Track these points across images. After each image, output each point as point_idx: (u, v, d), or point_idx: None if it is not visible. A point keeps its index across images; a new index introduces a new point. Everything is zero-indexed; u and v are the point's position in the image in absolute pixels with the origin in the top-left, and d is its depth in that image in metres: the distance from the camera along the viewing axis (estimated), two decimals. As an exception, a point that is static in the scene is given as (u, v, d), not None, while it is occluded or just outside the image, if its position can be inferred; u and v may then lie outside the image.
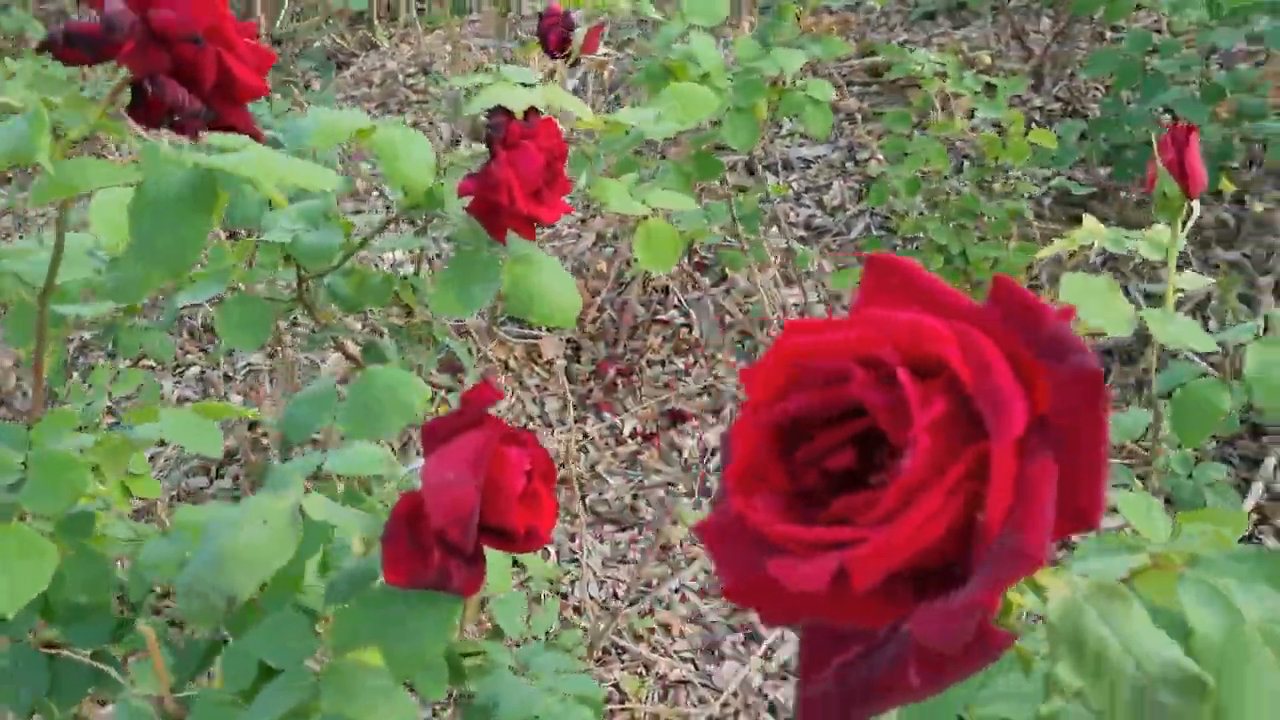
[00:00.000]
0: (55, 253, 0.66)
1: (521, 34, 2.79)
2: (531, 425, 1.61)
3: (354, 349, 1.60)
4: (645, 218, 1.19)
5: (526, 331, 1.79)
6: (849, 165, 2.12)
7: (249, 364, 1.81)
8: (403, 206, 1.06)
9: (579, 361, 1.75)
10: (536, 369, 1.72)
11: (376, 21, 2.93)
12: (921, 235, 1.77)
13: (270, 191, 0.61)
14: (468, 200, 1.01)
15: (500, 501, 0.53)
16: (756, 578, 0.31)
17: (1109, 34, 2.41)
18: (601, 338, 1.78)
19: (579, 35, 1.26)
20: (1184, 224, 0.73)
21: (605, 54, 1.43)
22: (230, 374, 1.75)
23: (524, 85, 1.33)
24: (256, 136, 0.69)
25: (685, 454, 1.54)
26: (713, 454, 1.54)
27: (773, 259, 1.62)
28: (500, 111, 1.06)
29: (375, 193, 2.22)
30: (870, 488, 0.32)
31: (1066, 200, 1.83)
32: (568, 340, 1.78)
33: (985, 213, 1.51)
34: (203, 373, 1.81)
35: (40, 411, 0.74)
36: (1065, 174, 1.83)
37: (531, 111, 1.07)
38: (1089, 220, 1.11)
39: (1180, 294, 0.74)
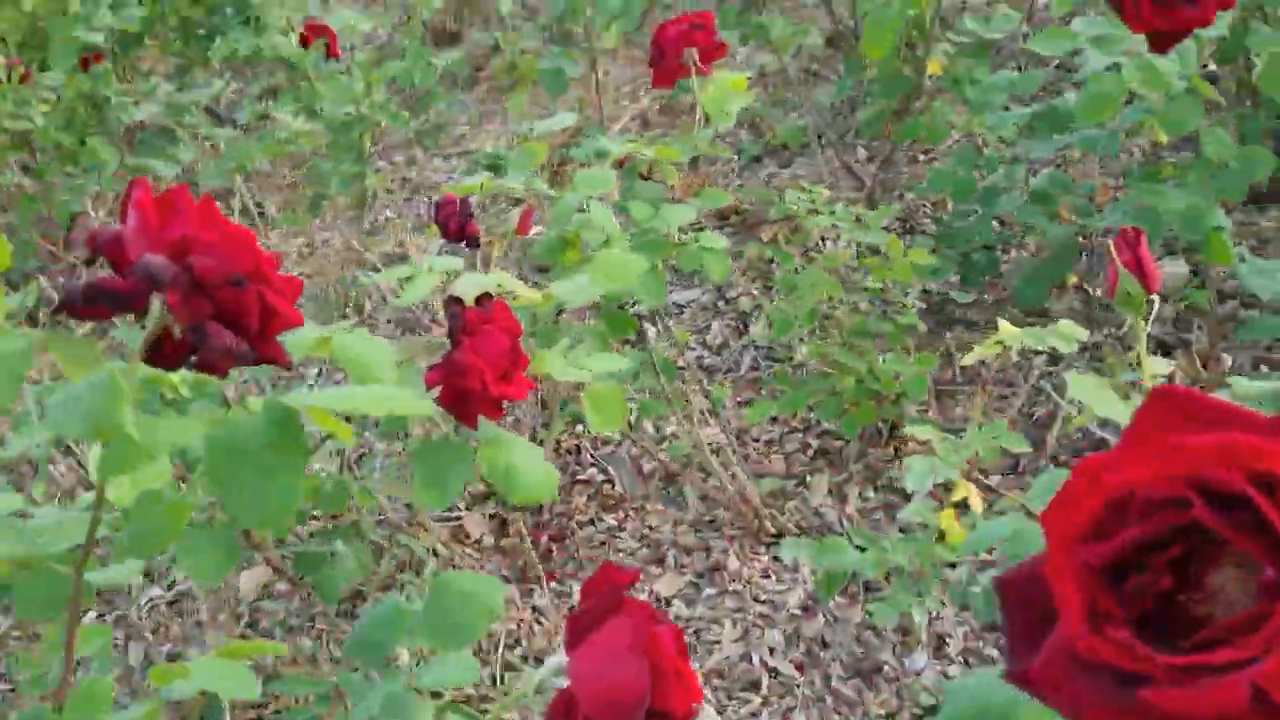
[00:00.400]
0: (95, 512, 0.62)
1: (367, 224, 2.81)
2: (476, 609, 1.56)
3: (278, 560, 1.52)
4: (585, 384, 1.21)
5: (446, 514, 1.76)
6: (720, 304, 2.21)
7: (151, 598, 1.69)
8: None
9: (507, 535, 1.72)
10: (466, 550, 1.68)
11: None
12: (811, 362, 1.86)
13: (341, 428, 0.60)
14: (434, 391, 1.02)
15: (663, 685, 0.53)
16: (1121, 712, 0.32)
17: (921, 157, 2.64)
18: (525, 507, 1.76)
19: (514, 217, 1.29)
20: (1146, 318, 0.81)
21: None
22: (139, 614, 1.63)
23: (448, 271, 1.34)
24: (289, 367, 0.69)
25: (641, 610, 1.53)
26: (666, 604, 1.54)
27: (694, 402, 1.67)
28: (454, 300, 1.07)
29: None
30: (1185, 606, 0.34)
31: (934, 311, 1.97)
32: (490, 516, 1.76)
33: (877, 331, 1.60)
34: (100, 616, 1.67)
35: (66, 690, 0.68)
36: (926, 285, 1.97)
37: (485, 296, 1.08)
38: (1004, 324, 1.21)
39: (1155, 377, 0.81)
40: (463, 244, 1.54)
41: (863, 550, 1.26)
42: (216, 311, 0.64)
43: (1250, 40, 1.39)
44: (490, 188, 1.50)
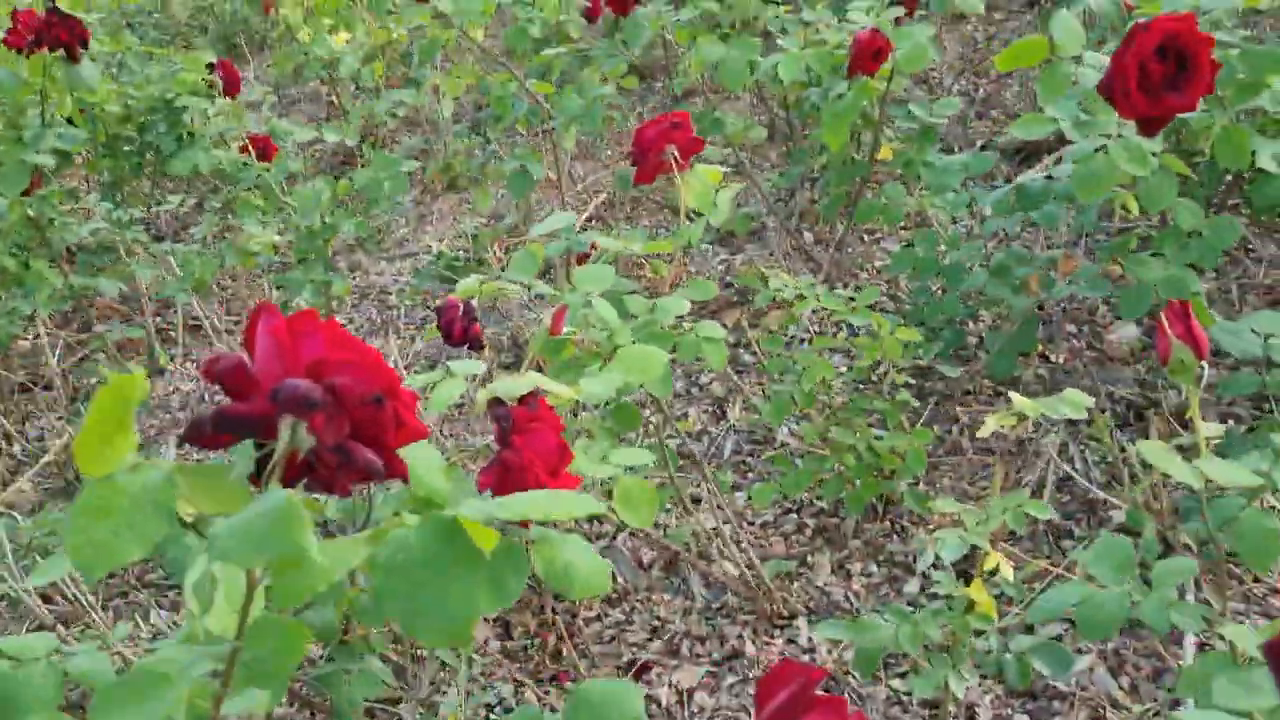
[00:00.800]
0: (236, 642, 0.61)
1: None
2: (492, 717, 1.54)
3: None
4: (615, 479, 1.22)
5: (449, 621, 1.73)
6: (694, 391, 2.24)
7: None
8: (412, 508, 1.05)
9: (512, 638, 1.70)
10: (475, 657, 1.65)
11: (157, 347, 2.83)
12: (793, 442, 1.89)
13: (489, 535, 0.60)
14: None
15: (859, 777, 0.54)
16: None
17: (866, 237, 2.74)
18: (526, 608, 1.74)
19: (546, 318, 1.31)
20: (1198, 383, 0.86)
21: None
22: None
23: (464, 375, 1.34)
24: (408, 480, 0.69)
25: (663, 702, 1.52)
26: (689, 696, 1.53)
27: (702, 486, 1.68)
28: (498, 402, 1.08)
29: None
30: None
31: (911, 386, 2.03)
32: (494, 620, 1.73)
33: (873, 408, 1.65)
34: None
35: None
36: (899, 363, 2.03)
37: (529, 395, 1.09)
38: (1016, 396, 1.26)
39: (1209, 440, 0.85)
40: (465, 348, 1.54)
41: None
42: (352, 429, 0.64)
43: (1198, 118, 1.50)
44: (491, 290, 1.51)
